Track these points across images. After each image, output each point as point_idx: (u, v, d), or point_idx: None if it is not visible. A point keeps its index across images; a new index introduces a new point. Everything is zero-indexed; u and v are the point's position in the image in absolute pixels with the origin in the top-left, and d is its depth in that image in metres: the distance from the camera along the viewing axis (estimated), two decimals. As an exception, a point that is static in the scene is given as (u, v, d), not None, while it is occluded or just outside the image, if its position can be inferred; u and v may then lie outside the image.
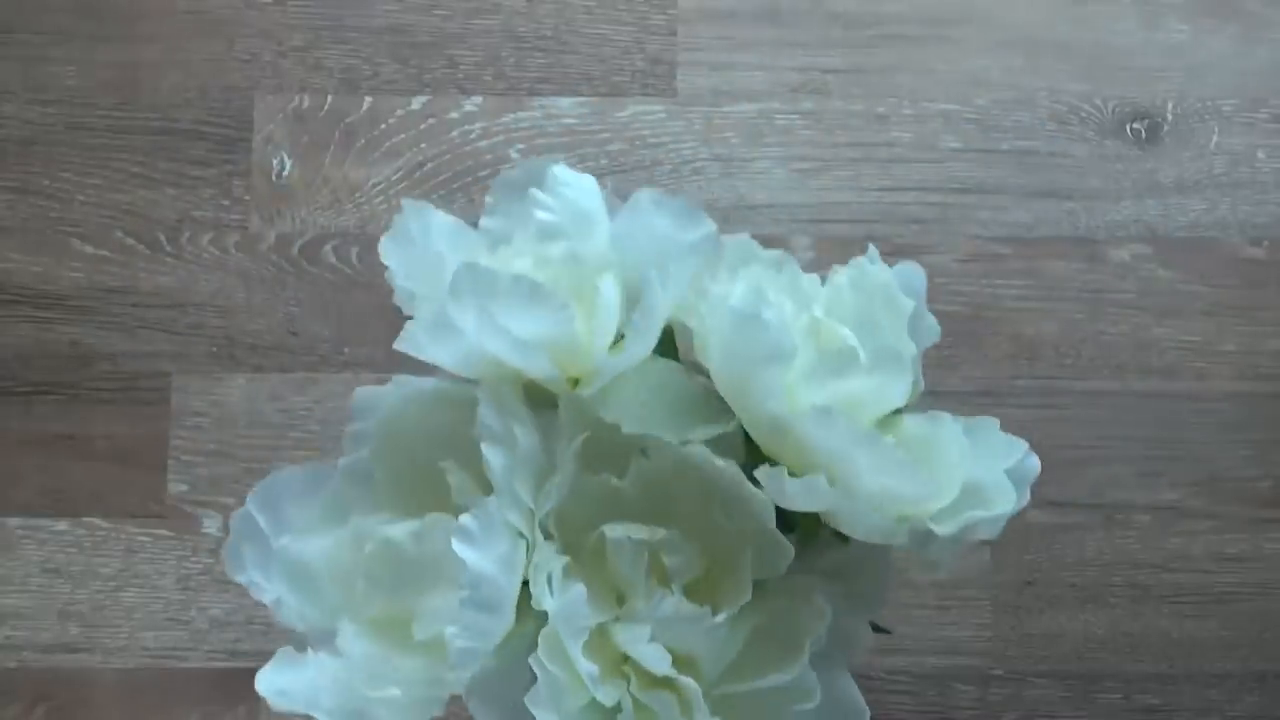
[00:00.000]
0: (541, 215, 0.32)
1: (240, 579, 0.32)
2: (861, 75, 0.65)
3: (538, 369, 0.31)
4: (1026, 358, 0.63)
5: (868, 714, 0.31)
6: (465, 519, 0.28)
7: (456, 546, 0.28)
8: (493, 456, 0.29)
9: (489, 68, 0.65)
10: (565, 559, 0.30)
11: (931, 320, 0.35)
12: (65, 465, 0.62)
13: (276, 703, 0.30)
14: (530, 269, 0.31)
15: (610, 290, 0.31)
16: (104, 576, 0.62)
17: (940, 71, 0.65)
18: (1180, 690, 0.61)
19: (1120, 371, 0.63)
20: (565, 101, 0.65)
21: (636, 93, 0.65)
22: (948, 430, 0.32)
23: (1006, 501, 0.31)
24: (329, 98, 0.65)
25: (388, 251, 0.33)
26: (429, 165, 0.64)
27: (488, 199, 0.35)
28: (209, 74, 0.65)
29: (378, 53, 0.66)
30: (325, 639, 0.31)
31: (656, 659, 0.29)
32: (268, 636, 0.61)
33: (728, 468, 0.30)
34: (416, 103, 0.65)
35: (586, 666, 0.28)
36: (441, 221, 0.33)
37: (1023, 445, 0.33)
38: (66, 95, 0.65)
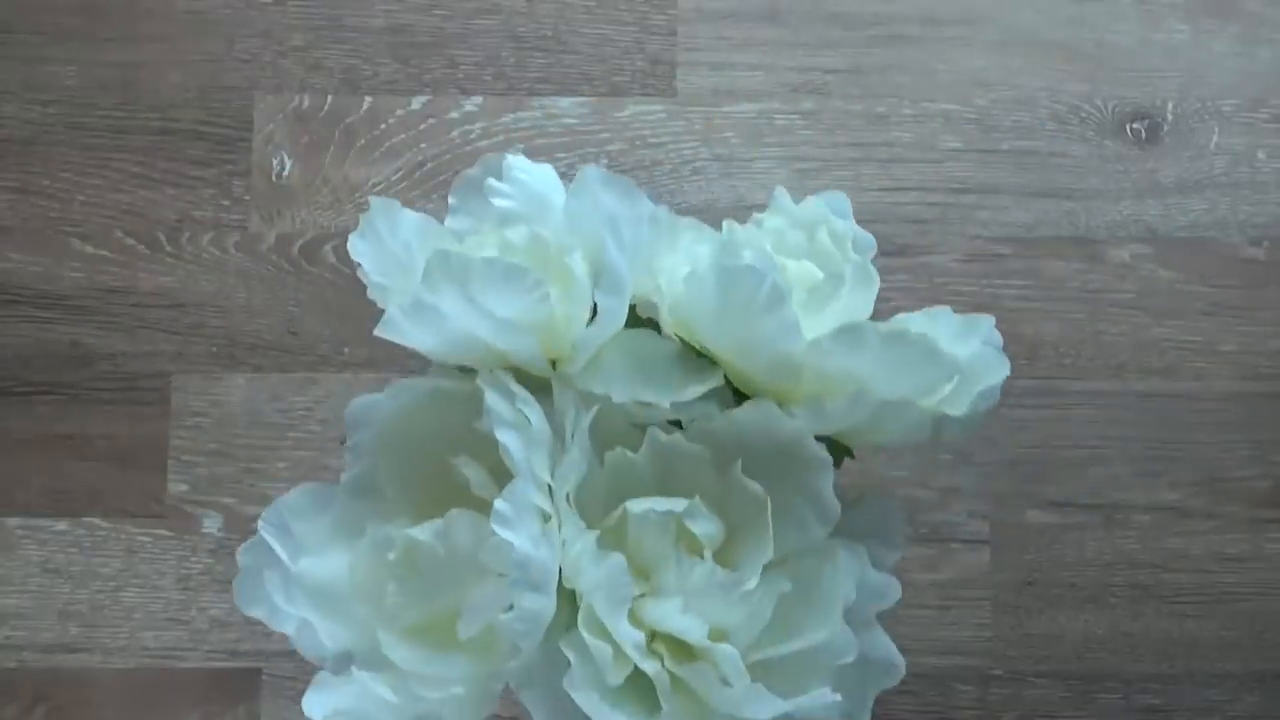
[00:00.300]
0: (500, 203, 0.33)
1: (256, 613, 0.32)
2: (861, 75, 0.65)
3: (522, 349, 0.31)
4: (1026, 358, 0.63)
5: (903, 666, 0.31)
6: (499, 504, 0.28)
7: (499, 530, 0.27)
8: (509, 440, 0.29)
9: (489, 68, 0.65)
10: (596, 531, 0.29)
11: (866, 236, 0.36)
12: (65, 465, 0.62)
13: None
14: (495, 255, 0.31)
15: (580, 266, 0.31)
16: (104, 576, 0.62)
17: (940, 71, 0.65)
18: (1180, 690, 0.61)
19: (1120, 371, 0.63)
20: (565, 101, 0.65)
21: (636, 93, 0.65)
22: (919, 324, 0.34)
23: (998, 369, 0.33)
24: (329, 98, 0.65)
25: (358, 249, 0.33)
26: (429, 165, 0.64)
27: (451, 199, 0.35)
28: (209, 74, 0.65)
29: (378, 53, 0.66)
30: (362, 658, 0.30)
31: (693, 629, 0.29)
32: (268, 637, 0.61)
33: (791, 423, 0.30)
34: (416, 103, 0.65)
35: (631, 634, 0.28)
36: (409, 218, 0.33)
37: (988, 319, 0.34)
38: (66, 95, 0.65)
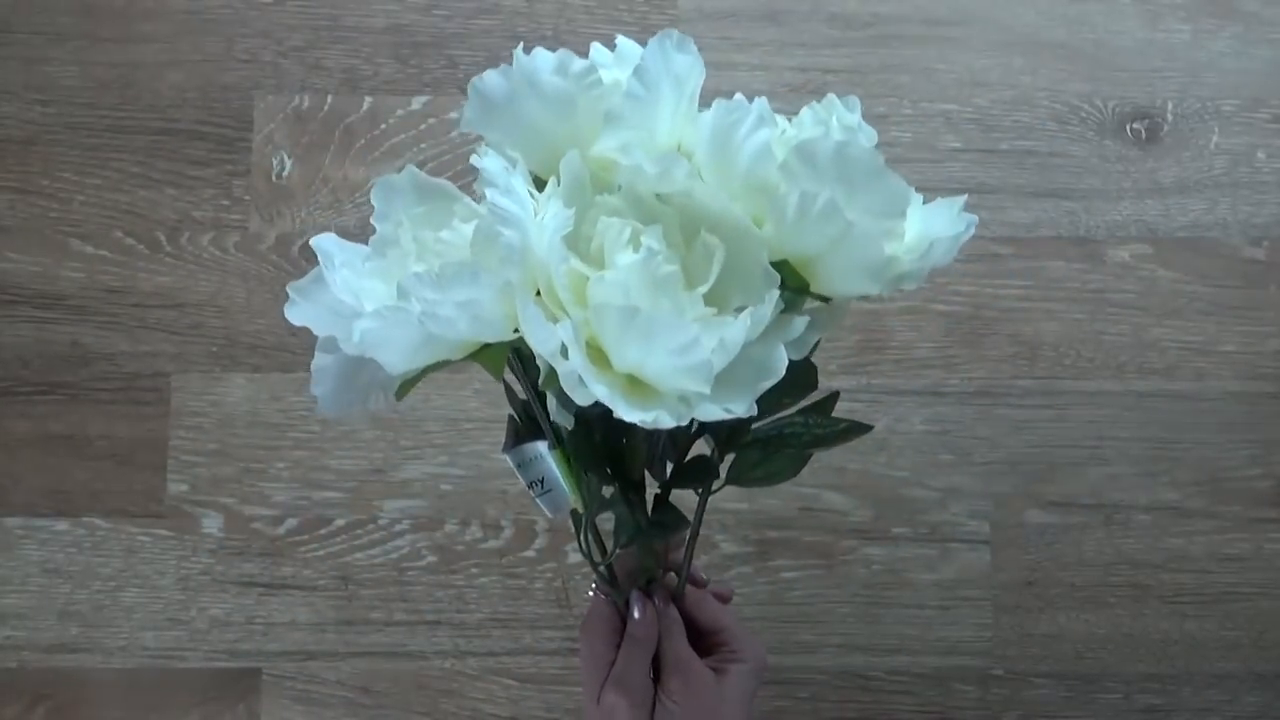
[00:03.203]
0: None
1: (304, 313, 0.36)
2: (861, 75, 0.65)
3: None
4: (1026, 358, 0.63)
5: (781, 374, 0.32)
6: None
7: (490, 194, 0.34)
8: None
9: (489, 68, 0.65)
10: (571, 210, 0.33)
11: (869, 129, 0.39)
12: (65, 465, 0.62)
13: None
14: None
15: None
16: (104, 576, 0.62)
17: (940, 71, 0.65)
18: (1180, 690, 0.61)
19: (1120, 371, 0.63)
20: (565, 101, 0.65)
21: (636, 93, 0.65)
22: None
23: (957, 223, 0.36)
24: (329, 98, 0.65)
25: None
26: (429, 165, 0.64)
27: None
28: (209, 74, 0.65)
29: (378, 53, 0.66)
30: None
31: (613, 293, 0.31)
32: (267, 636, 0.61)
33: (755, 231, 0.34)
34: (416, 103, 0.65)
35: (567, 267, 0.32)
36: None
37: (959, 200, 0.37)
38: (66, 95, 0.65)
